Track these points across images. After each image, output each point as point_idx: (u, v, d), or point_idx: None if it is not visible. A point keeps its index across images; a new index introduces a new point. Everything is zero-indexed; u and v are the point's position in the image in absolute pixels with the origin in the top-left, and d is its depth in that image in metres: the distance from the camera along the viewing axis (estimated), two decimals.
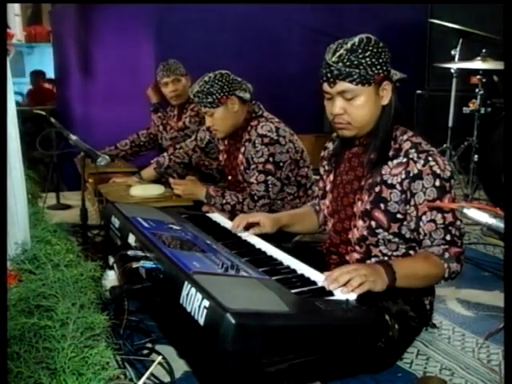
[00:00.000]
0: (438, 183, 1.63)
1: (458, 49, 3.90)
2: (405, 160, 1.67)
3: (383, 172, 1.70)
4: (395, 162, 1.69)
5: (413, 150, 1.67)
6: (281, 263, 1.67)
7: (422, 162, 1.64)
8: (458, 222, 1.64)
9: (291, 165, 2.47)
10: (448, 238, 1.62)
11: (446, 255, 1.61)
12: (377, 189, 1.71)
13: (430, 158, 1.64)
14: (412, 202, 1.66)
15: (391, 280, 1.50)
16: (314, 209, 2.07)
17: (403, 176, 1.67)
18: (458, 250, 1.63)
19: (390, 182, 1.69)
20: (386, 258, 1.75)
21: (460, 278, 1.69)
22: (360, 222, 1.75)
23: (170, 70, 3.29)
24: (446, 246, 1.62)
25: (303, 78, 4.25)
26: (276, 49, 4.41)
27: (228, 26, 4.23)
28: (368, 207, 1.72)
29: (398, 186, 1.68)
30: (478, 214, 1.25)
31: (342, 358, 1.34)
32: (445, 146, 3.99)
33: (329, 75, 1.64)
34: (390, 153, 1.71)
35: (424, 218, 1.64)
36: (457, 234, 1.63)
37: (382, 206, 1.70)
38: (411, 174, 1.65)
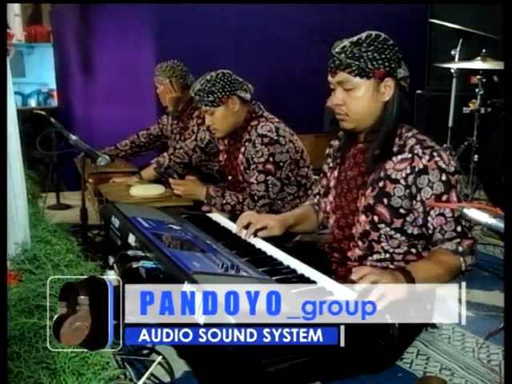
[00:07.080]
0: (444, 178, 1.64)
1: (458, 49, 3.89)
2: (410, 156, 1.69)
3: (387, 167, 1.72)
4: (399, 157, 1.71)
5: (418, 146, 1.68)
6: (281, 263, 1.67)
7: (427, 157, 1.65)
8: None
9: (291, 165, 2.47)
10: (459, 229, 1.64)
11: (460, 249, 1.63)
12: (380, 184, 1.72)
13: (434, 154, 1.66)
14: (418, 198, 1.67)
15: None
16: (314, 208, 2.07)
17: (408, 171, 1.68)
18: (471, 242, 1.65)
19: (394, 176, 1.70)
20: (387, 255, 1.75)
21: (460, 278, 1.69)
22: (363, 217, 1.76)
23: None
24: (458, 240, 1.63)
25: (303, 78, 4.25)
26: (276, 49, 4.40)
27: (228, 26, 4.22)
28: (371, 202, 1.73)
29: (402, 181, 1.69)
30: (478, 214, 1.25)
31: (342, 358, 1.34)
32: (445, 145, 3.97)
33: (332, 65, 1.70)
34: (395, 148, 1.72)
35: (432, 212, 1.65)
36: (467, 225, 1.65)
37: (385, 200, 1.71)
38: (416, 169, 1.66)
